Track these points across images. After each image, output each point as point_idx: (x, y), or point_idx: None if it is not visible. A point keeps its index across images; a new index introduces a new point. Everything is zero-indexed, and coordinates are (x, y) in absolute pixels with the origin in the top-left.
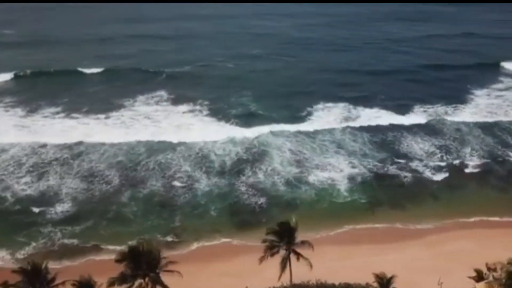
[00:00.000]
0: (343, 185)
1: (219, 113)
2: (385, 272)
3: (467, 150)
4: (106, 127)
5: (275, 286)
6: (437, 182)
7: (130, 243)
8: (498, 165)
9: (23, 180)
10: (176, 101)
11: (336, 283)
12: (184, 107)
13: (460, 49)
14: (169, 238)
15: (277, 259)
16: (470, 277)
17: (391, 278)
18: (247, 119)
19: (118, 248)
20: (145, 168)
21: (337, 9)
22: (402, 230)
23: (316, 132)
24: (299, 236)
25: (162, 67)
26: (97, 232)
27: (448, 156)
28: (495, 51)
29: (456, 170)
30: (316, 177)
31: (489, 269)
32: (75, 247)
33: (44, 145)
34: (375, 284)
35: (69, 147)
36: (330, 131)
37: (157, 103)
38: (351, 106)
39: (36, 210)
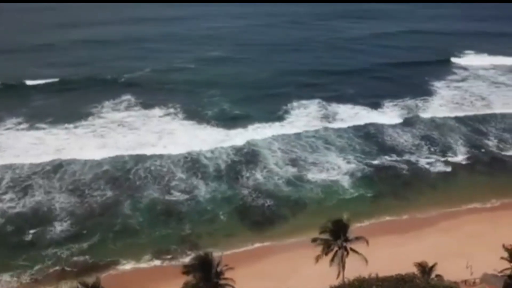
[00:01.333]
0: (345, 181)
1: (195, 115)
2: (426, 261)
3: (450, 139)
4: (80, 138)
5: (335, 285)
6: (433, 171)
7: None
8: (482, 153)
9: (7, 196)
10: (147, 106)
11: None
12: (158, 111)
13: (411, 46)
14: (187, 249)
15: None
16: (503, 258)
17: (433, 265)
18: (227, 120)
19: (132, 261)
20: (136, 177)
21: (281, 9)
22: (415, 219)
23: (299, 129)
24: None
25: (119, 72)
26: (107, 247)
27: (435, 147)
28: (443, 47)
29: (447, 159)
30: (316, 175)
31: (506, 249)
32: (89, 264)
33: (17, 157)
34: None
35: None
36: (313, 128)
37: (126, 108)
38: (325, 104)
39: (31, 231)
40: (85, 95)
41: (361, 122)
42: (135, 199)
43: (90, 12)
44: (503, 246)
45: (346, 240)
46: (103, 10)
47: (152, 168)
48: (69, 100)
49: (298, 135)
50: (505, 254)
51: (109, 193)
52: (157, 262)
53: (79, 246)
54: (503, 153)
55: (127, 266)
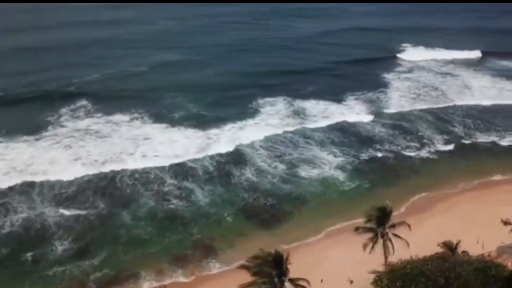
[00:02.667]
0: (339, 174)
1: (164, 118)
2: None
3: (421, 129)
4: (46, 151)
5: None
6: (416, 158)
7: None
8: (453, 139)
9: None
10: (107, 112)
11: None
12: (122, 117)
13: (356, 43)
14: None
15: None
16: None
17: (458, 243)
18: (198, 121)
19: (151, 271)
20: (124, 185)
21: (219, 9)
22: (413, 205)
23: (275, 126)
24: (331, 226)
25: (67, 79)
26: (120, 259)
27: (410, 136)
28: (384, 42)
29: (425, 147)
30: (308, 171)
31: (505, 223)
32: (110, 278)
33: None
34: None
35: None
36: (288, 124)
37: (87, 115)
38: (291, 101)
39: (29, 253)
40: (36, 105)
41: (333, 117)
42: (132, 208)
43: (23, 16)
44: (502, 220)
45: (391, 226)
46: (36, 13)
47: (137, 175)
48: (19, 112)
49: (274, 133)
50: (506, 228)
51: (101, 205)
52: (179, 270)
53: (90, 263)
54: (471, 137)
55: (148, 276)
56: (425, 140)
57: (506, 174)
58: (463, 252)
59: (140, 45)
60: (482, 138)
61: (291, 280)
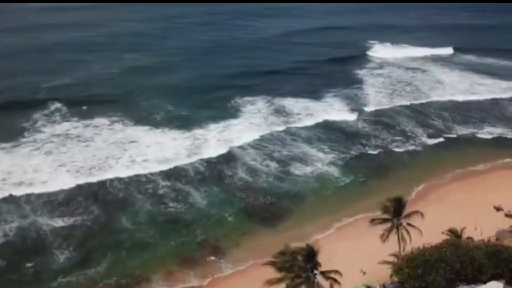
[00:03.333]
0: (333, 170)
1: (145, 120)
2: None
3: (402, 123)
4: (27, 158)
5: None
6: (404, 152)
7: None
8: (434, 132)
9: None
10: (84, 116)
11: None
12: (102, 120)
13: (324, 42)
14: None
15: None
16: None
17: (462, 230)
18: (180, 122)
19: (161, 274)
20: (116, 189)
21: (179, 10)
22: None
23: (259, 125)
24: (336, 221)
25: (36, 84)
26: (126, 265)
27: (393, 131)
28: (351, 40)
29: (410, 140)
30: (301, 168)
31: (497, 209)
32: (122, 285)
33: None
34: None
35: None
36: (273, 123)
37: (63, 119)
38: (271, 99)
39: (29, 264)
40: (5, 112)
41: (316, 114)
42: (130, 213)
43: None
44: (494, 207)
45: (405, 216)
46: None
47: (127, 179)
48: None
49: (262, 131)
50: (499, 213)
51: (96, 210)
52: (191, 273)
53: (95, 271)
54: (451, 130)
55: (160, 281)
56: (408, 134)
57: (487, 164)
58: (468, 238)
59: (108, 48)
60: (461, 131)
61: (323, 273)
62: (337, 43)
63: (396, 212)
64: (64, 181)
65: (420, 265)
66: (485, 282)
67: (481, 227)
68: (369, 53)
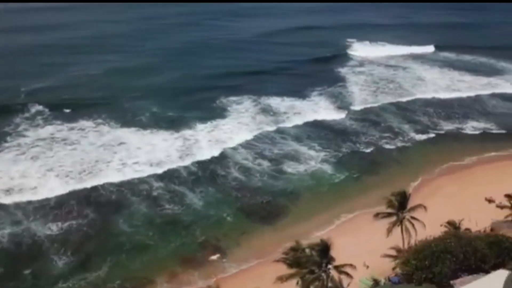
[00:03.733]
0: (326, 168)
1: (130, 122)
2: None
3: (389, 120)
4: (13, 163)
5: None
6: (394, 148)
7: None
8: (422, 128)
9: None
10: (68, 118)
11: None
12: (86, 123)
13: (304, 41)
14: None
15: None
16: (499, 206)
17: (460, 221)
18: (167, 123)
19: (164, 276)
20: (108, 192)
21: (154, 11)
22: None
23: (247, 124)
24: (335, 217)
25: (12, 87)
26: (128, 268)
27: (381, 128)
28: (330, 39)
29: (398, 136)
30: (294, 166)
31: (489, 201)
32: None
33: None
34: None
35: None
36: (262, 122)
37: (46, 122)
38: (256, 99)
39: (27, 271)
40: None
41: (303, 113)
42: (126, 215)
43: None
44: (486, 199)
45: (409, 209)
46: None
47: (116, 182)
48: None
49: (252, 130)
50: (491, 205)
51: (91, 214)
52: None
53: (96, 275)
54: (436, 126)
55: (165, 283)
56: (396, 130)
57: (472, 157)
58: (466, 229)
59: (86, 50)
60: (447, 126)
61: (337, 267)
62: (316, 42)
63: (400, 206)
64: (54, 187)
65: (427, 257)
66: (487, 271)
67: (475, 218)
68: (349, 51)
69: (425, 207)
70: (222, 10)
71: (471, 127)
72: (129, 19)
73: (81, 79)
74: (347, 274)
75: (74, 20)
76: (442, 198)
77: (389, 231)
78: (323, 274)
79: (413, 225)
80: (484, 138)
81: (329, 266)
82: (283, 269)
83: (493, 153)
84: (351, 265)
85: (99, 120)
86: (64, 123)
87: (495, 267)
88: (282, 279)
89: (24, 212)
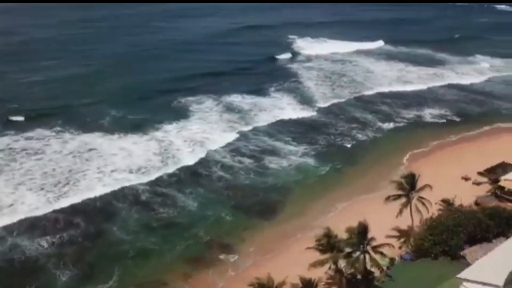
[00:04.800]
0: (309, 161)
1: (92, 127)
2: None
3: (353, 111)
4: None
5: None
6: (366, 137)
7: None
8: (387, 118)
9: None
10: (21, 128)
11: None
12: (43, 131)
13: (251, 41)
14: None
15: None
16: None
17: (453, 198)
18: (132, 126)
19: (178, 279)
20: (92, 200)
21: (94, 14)
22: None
23: (215, 123)
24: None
25: None
26: (136, 275)
27: (347, 119)
28: (277, 38)
29: (367, 127)
30: (276, 161)
31: (465, 179)
32: None
33: None
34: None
35: None
36: (230, 121)
37: None
38: (217, 98)
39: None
40: None
41: (268, 110)
42: (120, 224)
43: None
44: (462, 177)
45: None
46: None
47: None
48: None
49: (224, 129)
50: (466, 183)
51: (82, 224)
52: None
53: (107, 286)
54: (399, 115)
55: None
56: (363, 121)
57: (437, 141)
58: (459, 205)
59: (25, 57)
60: (408, 115)
61: (375, 248)
62: (262, 41)
63: (411, 188)
64: (32, 202)
65: (444, 231)
66: (490, 241)
67: (460, 195)
68: (294, 47)
69: (430, 187)
70: (164, 10)
71: (429, 113)
72: (68, 22)
73: (28, 87)
74: (382, 253)
75: (4, 24)
76: (425, 180)
77: (401, 212)
78: (361, 255)
79: (424, 204)
80: (443, 123)
81: (368, 246)
82: (298, 259)
83: (452, 137)
84: (388, 245)
85: (57, 128)
86: (19, 133)
87: (498, 236)
88: (314, 265)
89: (3, 229)
